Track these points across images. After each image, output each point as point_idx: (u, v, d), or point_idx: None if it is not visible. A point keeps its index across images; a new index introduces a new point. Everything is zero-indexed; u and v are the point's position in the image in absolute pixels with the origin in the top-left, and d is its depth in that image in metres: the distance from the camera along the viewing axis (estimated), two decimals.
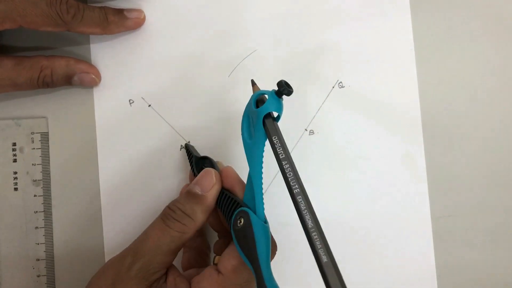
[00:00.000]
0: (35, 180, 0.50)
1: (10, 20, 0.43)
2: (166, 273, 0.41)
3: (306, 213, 0.34)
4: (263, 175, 0.39)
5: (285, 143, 0.38)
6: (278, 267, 0.50)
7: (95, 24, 0.47)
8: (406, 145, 0.52)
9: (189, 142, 0.51)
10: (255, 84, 0.44)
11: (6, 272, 0.50)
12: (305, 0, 0.52)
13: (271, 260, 0.39)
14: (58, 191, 0.51)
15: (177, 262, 0.46)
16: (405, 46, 0.52)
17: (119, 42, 0.51)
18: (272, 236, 0.40)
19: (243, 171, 0.42)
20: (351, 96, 0.52)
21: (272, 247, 0.39)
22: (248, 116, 0.41)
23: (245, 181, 0.42)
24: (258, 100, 0.40)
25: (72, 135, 0.51)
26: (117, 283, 0.39)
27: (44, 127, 0.50)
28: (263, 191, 0.50)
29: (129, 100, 0.51)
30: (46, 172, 0.50)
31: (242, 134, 0.41)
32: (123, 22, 0.49)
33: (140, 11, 0.50)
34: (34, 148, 0.50)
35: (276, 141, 0.37)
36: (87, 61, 0.50)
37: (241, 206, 0.40)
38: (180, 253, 0.49)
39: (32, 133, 0.50)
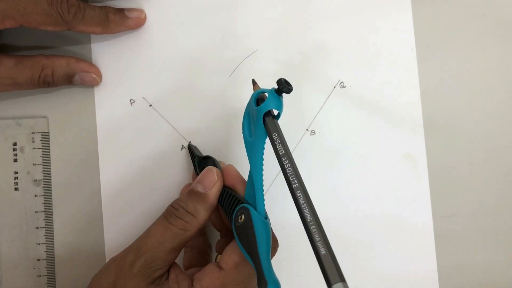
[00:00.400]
0: (36, 180, 0.50)
1: (11, 19, 0.43)
2: (168, 271, 0.41)
3: (305, 207, 0.34)
4: (264, 175, 0.40)
5: (285, 140, 0.38)
6: (280, 266, 0.50)
7: (96, 23, 0.47)
8: (408, 145, 0.52)
9: (190, 142, 0.51)
10: (256, 83, 0.44)
11: (6, 272, 0.50)
12: (307, 0, 0.52)
13: (272, 256, 0.39)
14: (58, 191, 0.51)
15: (179, 262, 0.46)
16: (407, 46, 0.52)
17: (120, 42, 0.51)
18: (273, 233, 0.40)
19: (244, 169, 0.42)
20: (352, 96, 0.52)
21: (273, 243, 0.39)
22: (248, 115, 0.42)
23: (246, 178, 0.42)
24: (258, 98, 0.41)
25: (73, 135, 0.51)
26: (119, 280, 0.39)
27: (45, 126, 0.50)
28: (265, 191, 0.50)
29: (130, 100, 0.51)
30: (46, 172, 0.50)
31: (243, 132, 0.41)
32: (124, 21, 0.49)
33: (141, 10, 0.50)
34: (34, 148, 0.50)
35: (276, 138, 0.38)
36: (88, 61, 0.50)
37: (242, 203, 0.40)
38: (181, 254, 0.49)
39: (33, 132, 0.50)
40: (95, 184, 0.51)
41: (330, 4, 0.52)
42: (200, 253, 0.49)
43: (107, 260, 0.50)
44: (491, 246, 0.53)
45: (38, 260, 0.50)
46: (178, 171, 0.51)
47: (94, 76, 0.49)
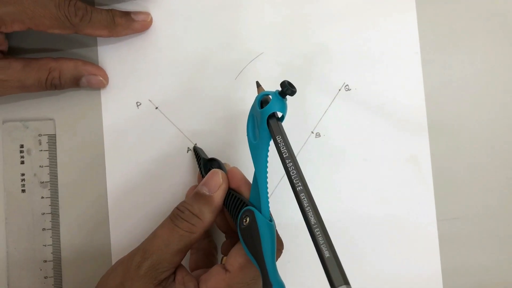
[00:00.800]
0: (43, 182, 0.51)
1: (19, 22, 0.44)
2: (174, 272, 0.41)
3: (308, 209, 0.34)
4: (270, 177, 0.40)
5: (289, 142, 0.38)
6: (285, 268, 0.50)
7: (102, 26, 0.47)
8: (412, 148, 0.52)
9: (196, 144, 0.51)
10: (260, 85, 0.44)
11: (13, 273, 0.50)
12: (312, 3, 0.52)
13: (277, 258, 0.39)
14: (65, 193, 0.51)
15: (185, 264, 0.46)
16: (411, 49, 0.52)
17: (126, 45, 0.51)
18: (278, 235, 0.40)
19: (249, 172, 0.42)
20: (357, 99, 0.52)
21: (278, 245, 0.39)
22: (253, 117, 0.42)
23: (251, 181, 0.42)
24: (262, 101, 0.41)
25: (79, 137, 0.51)
26: (126, 281, 0.39)
27: (52, 129, 0.51)
28: (270, 193, 0.50)
29: (136, 103, 0.51)
30: (53, 174, 0.51)
31: (248, 135, 0.42)
32: (130, 24, 0.49)
33: (147, 13, 0.50)
34: (41, 150, 0.51)
35: (280, 140, 0.38)
36: (94, 63, 0.50)
37: (247, 205, 0.40)
38: (188, 256, 0.49)
39: (40, 135, 0.51)
40: (102, 186, 0.51)
41: (335, 7, 0.52)
42: (206, 255, 0.49)
43: (113, 261, 0.50)
44: (495, 248, 0.53)
45: (45, 261, 0.50)
46: (183, 173, 0.51)
47: (101, 78, 0.50)
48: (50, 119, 0.51)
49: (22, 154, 0.50)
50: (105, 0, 0.50)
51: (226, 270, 0.40)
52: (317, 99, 0.52)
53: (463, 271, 0.52)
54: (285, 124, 0.40)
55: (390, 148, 0.52)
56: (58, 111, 0.51)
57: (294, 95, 0.39)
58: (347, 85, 0.52)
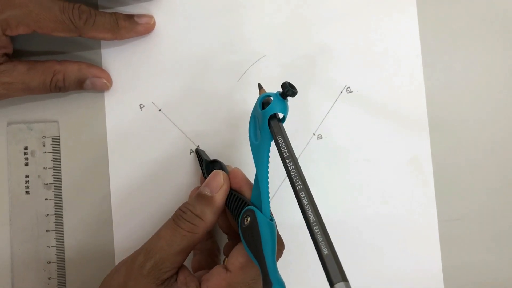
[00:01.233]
0: (47, 184, 0.51)
1: (24, 25, 0.44)
2: (177, 273, 0.41)
3: (308, 208, 0.34)
4: (272, 178, 0.40)
5: (289, 143, 0.38)
6: (287, 269, 0.50)
7: (106, 30, 0.47)
8: (413, 149, 0.52)
9: (198, 146, 0.51)
10: (262, 87, 0.44)
11: (17, 274, 0.50)
12: (313, 5, 0.52)
13: (278, 258, 0.39)
14: (69, 194, 0.51)
15: (188, 264, 0.47)
16: (412, 51, 0.52)
17: (129, 47, 0.51)
18: (279, 235, 0.40)
19: (251, 172, 0.42)
20: (359, 101, 0.52)
21: (279, 245, 0.39)
22: (254, 118, 0.42)
23: (252, 181, 0.42)
24: (263, 102, 0.41)
25: (83, 139, 0.51)
26: (129, 281, 0.40)
27: (56, 131, 0.51)
28: (273, 194, 0.50)
29: (140, 105, 0.51)
30: (57, 176, 0.51)
31: (249, 136, 0.42)
32: (134, 27, 0.49)
33: (150, 16, 0.50)
34: (45, 152, 0.51)
35: (281, 141, 0.38)
36: (98, 66, 0.51)
37: (248, 205, 0.40)
38: (190, 256, 0.49)
39: (44, 137, 0.51)
40: (105, 188, 0.51)
41: (337, 9, 0.52)
42: (208, 255, 0.49)
43: (116, 262, 0.51)
44: (496, 249, 0.53)
45: (49, 262, 0.51)
46: (186, 174, 0.51)
47: (105, 81, 0.50)
48: (54, 121, 0.51)
49: (26, 156, 0.51)
50: (109, 4, 0.51)
51: (227, 270, 0.40)
52: (319, 101, 0.52)
53: (464, 271, 0.52)
54: (287, 126, 0.40)
55: (392, 149, 0.52)
56: (62, 113, 0.51)
57: (296, 98, 0.39)
58: (349, 87, 0.52)
